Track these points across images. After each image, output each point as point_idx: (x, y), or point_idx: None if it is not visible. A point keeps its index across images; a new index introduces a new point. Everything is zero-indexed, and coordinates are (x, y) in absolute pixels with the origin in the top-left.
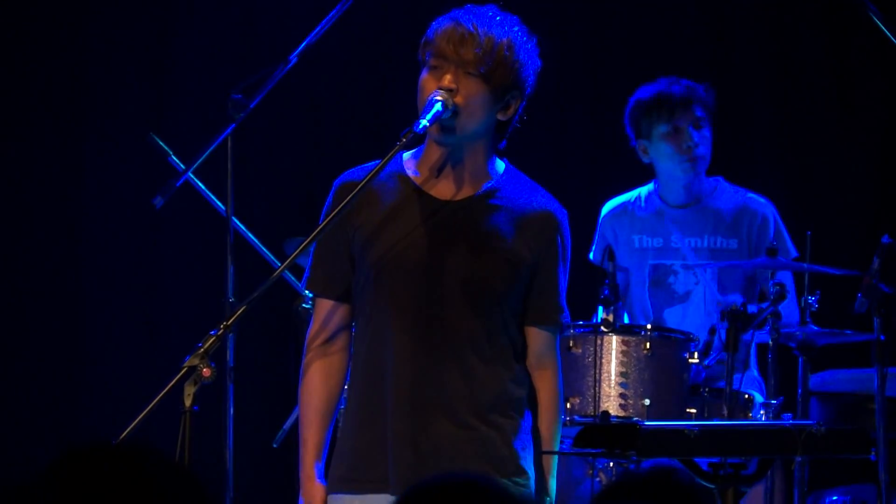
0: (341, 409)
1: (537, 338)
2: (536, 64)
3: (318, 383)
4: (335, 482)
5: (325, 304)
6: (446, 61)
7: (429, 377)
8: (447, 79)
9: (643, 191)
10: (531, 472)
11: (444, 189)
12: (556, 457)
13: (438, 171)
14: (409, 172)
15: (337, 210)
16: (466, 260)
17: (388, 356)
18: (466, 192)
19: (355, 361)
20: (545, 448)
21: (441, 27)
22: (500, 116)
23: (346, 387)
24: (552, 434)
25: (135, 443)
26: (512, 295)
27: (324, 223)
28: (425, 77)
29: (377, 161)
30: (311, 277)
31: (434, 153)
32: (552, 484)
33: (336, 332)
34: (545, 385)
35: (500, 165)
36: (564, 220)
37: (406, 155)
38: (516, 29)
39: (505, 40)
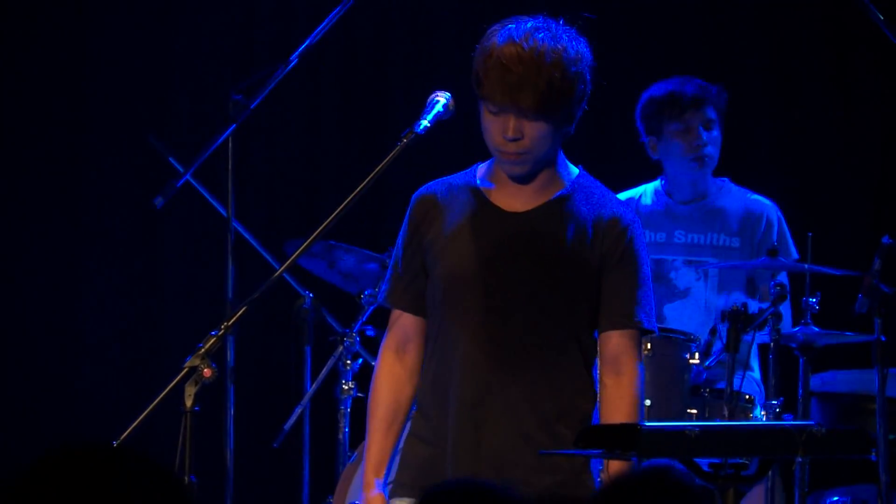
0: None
1: (610, 342)
2: (589, 64)
3: (384, 394)
4: (398, 487)
5: (400, 316)
6: (506, 109)
7: (494, 389)
8: (511, 128)
9: (649, 187)
10: (595, 486)
11: (513, 200)
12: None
13: (508, 184)
14: (480, 184)
15: (336, 212)
16: (533, 272)
17: (454, 368)
18: (536, 201)
19: (425, 372)
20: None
21: (492, 68)
22: (564, 131)
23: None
24: None
25: (113, 444)
26: (582, 303)
27: (324, 224)
28: (487, 121)
29: (454, 175)
30: (390, 289)
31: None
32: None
33: (407, 343)
34: (621, 390)
35: (574, 171)
36: (634, 224)
37: (481, 166)
38: (564, 44)
39: (559, 72)
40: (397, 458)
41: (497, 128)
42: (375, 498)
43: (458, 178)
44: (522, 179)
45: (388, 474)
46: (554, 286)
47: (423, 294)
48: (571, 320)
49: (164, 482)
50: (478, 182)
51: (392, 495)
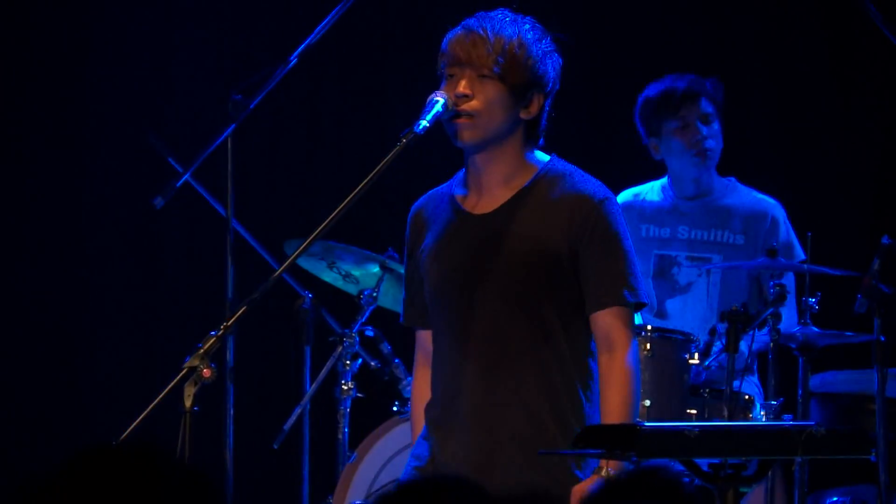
0: None
1: (599, 322)
2: (556, 59)
3: (418, 407)
4: None
5: (421, 334)
6: (461, 68)
7: (483, 394)
8: (462, 85)
9: (656, 184)
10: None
11: (481, 203)
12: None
13: (477, 186)
14: (456, 192)
15: (336, 211)
16: (505, 270)
17: (446, 377)
18: (501, 198)
19: (431, 383)
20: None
21: (452, 36)
22: (523, 115)
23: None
24: (617, 411)
25: (144, 444)
26: (559, 290)
27: (324, 224)
28: (443, 88)
29: (446, 184)
30: (405, 311)
31: (471, 168)
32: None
33: (429, 356)
34: (614, 366)
35: (544, 158)
36: (606, 202)
37: (460, 175)
38: (527, 27)
39: (516, 39)
40: None
41: (450, 90)
42: None
43: (442, 188)
44: (486, 175)
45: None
46: (528, 281)
47: (427, 308)
48: (553, 311)
49: (202, 485)
50: (455, 191)
51: None
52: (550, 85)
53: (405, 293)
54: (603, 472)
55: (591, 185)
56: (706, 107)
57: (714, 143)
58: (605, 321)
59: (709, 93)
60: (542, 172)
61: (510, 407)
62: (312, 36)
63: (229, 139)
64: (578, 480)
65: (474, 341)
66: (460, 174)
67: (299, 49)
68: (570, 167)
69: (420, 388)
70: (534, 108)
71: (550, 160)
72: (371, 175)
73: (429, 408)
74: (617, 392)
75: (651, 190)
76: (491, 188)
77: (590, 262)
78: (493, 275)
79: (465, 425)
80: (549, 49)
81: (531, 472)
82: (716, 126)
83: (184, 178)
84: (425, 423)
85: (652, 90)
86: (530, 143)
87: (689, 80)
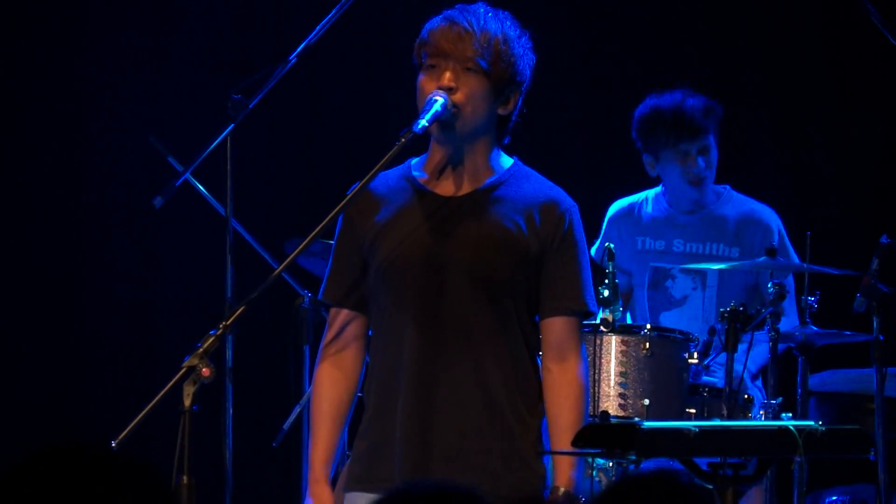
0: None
1: (554, 328)
2: (531, 57)
3: (327, 389)
4: (350, 481)
5: (339, 314)
6: (445, 59)
7: (439, 374)
8: (447, 77)
9: (651, 193)
10: (544, 470)
11: (447, 186)
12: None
13: (442, 170)
14: (415, 173)
15: (336, 210)
16: (472, 253)
17: (399, 356)
18: (470, 187)
19: (371, 363)
20: (566, 444)
21: (436, 27)
22: (500, 111)
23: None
24: (572, 429)
25: (98, 445)
26: (521, 285)
27: (323, 223)
28: (424, 78)
29: (389, 170)
30: (327, 286)
31: (438, 153)
32: (574, 477)
33: (349, 341)
34: (567, 378)
35: (507, 161)
36: (573, 210)
37: (414, 160)
38: (508, 23)
39: (500, 34)
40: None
41: (432, 81)
42: (324, 492)
43: (392, 171)
44: (455, 162)
45: (329, 471)
46: (493, 267)
47: (360, 290)
48: (514, 302)
49: (144, 479)
50: (412, 172)
51: (345, 489)
52: (526, 83)
53: (331, 268)
54: (560, 493)
55: (559, 190)
56: (707, 139)
57: (709, 172)
58: (562, 328)
59: (710, 123)
60: (510, 170)
61: (472, 392)
62: (312, 36)
63: (229, 139)
64: (536, 470)
65: (435, 323)
66: (417, 159)
67: (299, 49)
68: (533, 171)
69: (331, 372)
70: (510, 105)
71: (514, 161)
72: (370, 174)
73: (371, 391)
74: (571, 408)
75: (646, 200)
76: (458, 176)
77: (554, 266)
78: (462, 258)
79: (421, 407)
80: (528, 46)
81: (488, 458)
82: (713, 153)
83: (183, 178)
84: (368, 403)
85: (652, 110)
86: (499, 139)
87: (690, 109)
